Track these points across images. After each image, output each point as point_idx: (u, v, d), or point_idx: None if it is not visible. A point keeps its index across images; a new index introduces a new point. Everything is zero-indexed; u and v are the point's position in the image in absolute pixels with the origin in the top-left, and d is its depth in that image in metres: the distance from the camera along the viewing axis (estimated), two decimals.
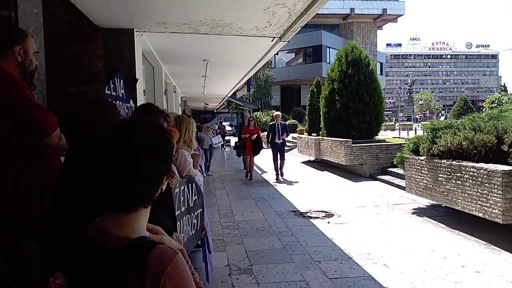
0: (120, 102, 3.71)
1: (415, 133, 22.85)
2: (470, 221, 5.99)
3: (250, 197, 8.53)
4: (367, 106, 12.42)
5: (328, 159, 12.75)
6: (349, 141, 11.29)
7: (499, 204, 4.95)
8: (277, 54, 31.76)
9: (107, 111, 1.87)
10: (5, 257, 2.09)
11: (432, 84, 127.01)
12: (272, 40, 6.12)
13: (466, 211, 5.63)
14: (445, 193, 6.07)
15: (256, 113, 31.17)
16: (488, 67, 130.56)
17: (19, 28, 2.42)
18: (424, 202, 7.48)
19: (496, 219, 5.04)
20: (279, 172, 10.89)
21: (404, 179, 7.79)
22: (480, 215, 5.33)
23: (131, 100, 4.50)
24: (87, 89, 3.63)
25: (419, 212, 6.92)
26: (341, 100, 12.54)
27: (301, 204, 7.66)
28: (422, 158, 6.77)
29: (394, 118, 66.83)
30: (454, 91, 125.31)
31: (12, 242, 2.10)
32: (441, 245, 5.13)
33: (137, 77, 5.16)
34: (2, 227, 2.06)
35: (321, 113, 13.98)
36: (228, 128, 32.58)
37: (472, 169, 5.45)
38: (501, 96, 26.71)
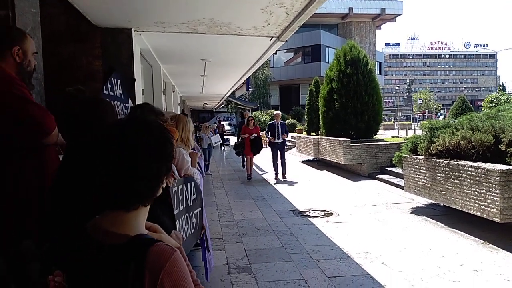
0: (118, 102, 3.71)
1: (414, 132, 22.87)
2: (469, 220, 6.01)
3: (249, 196, 8.53)
4: (366, 106, 12.44)
5: (327, 159, 12.76)
6: (348, 140, 11.31)
7: (496, 203, 4.96)
8: (275, 53, 31.82)
9: (104, 111, 1.88)
10: (5, 257, 2.09)
11: (431, 83, 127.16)
12: (270, 40, 6.13)
13: (464, 210, 5.65)
14: (443, 192, 6.08)
15: (255, 112, 31.19)
16: (486, 66, 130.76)
17: (18, 28, 2.42)
18: (422, 201, 7.50)
19: (494, 218, 5.05)
20: (278, 172, 10.76)
21: (402, 179, 7.81)
22: (478, 214, 5.35)
23: (129, 100, 4.51)
24: (85, 88, 3.63)
25: (418, 211, 6.94)
26: (339, 99, 12.55)
27: (300, 203, 7.67)
28: (420, 157, 6.78)
29: (392, 118, 66.90)
30: (452, 90, 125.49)
31: (12, 241, 2.10)
32: (439, 244, 5.14)
33: (135, 77, 5.16)
34: (2, 227, 2.06)
35: (319, 112, 13.99)
36: (227, 127, 32.57)
37: (470, 169, 5.47)
38: (500, 95, 26.74)
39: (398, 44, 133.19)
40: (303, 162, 15.22)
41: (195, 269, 3.91)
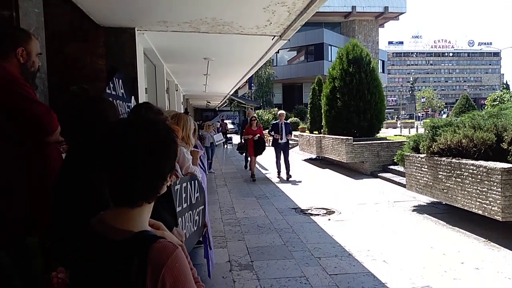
0: (121, 102, 3.75)
1: (417, 131, 22.83)
2: (470, 218, 6.02)
3: (251, 194, 8.57)
4: (368, 104, 12.44)
5: (330, 157, 12.78)
6: (350, 139, 11.31)
7: (498, 201, 4.97)
8: (278, 52, 31.77)
9: (106, 110, 1.91)
10: (10, 253, 2.13)
11: (434, 82, 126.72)
12: (272, 39, 6.15)
13: (465, 208, 5.66)
14: (445, 190, 6.09)
15: (258, 111, 31.18)
16: (490, 65, 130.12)
17: (23, 29, 2.45)
18: (424, 199, 7.51)
19: (495, 217, 5.06)
20: (280, 170, 10.63)
21: (405, 177, 7.81)
22: (480, 212, 5.35)
23: (133, 99, 4.54)
24: (89, 87, 3.67)
25: (420, 209, 6.95)
26: (342, 98, 12.56)
27: (302, 201, 7.70)
28: (422, 155, 6.79)
29: (395, 116, 66.74)
30: (456, 89, 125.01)
31: (16, 238, 2.14)
32: (440, 242, 5.15)
33: (138, 76, 5.20)
34: (6, 223, 2.10)
35: (322, 111, 14.00)
36: (230, 126, 32.60)
37: (471, 167, 5.47)
38: (503, 94, 26.64)
39: (401, 43, 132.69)
40: (305, 160, 15.23)
41: (198, 266, 3.96)
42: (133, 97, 4.61)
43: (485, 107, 25.28)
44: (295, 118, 26.95)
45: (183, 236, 1.76)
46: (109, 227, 1.08)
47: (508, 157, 5.31)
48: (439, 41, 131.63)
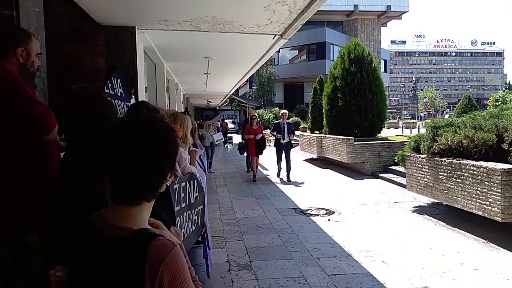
0: (119, 101, 3.75)
1: (418, 131, 22.79)
2: (471, 219, 6.01)
3: (251, 194, 8.57)
4: (370, 104, 12.42)
5: (330, 157, 12.77)
6: (351, 139, 11.30)
7: (498, 202, 4.96)
8: (279, 51, 31.76)
9: (105, 110, 1.91)
10: (11, 251, 2.14)
11: (437, 81, 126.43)
12: (273, 38, 6.14)
13: (466, 209, 5.65)
14: (445, 191, 6.08)
15: (258, 110, 31.18)
16: (493, 64, 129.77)
17: (23, 29, 2.45)
18: (425, 200, 7.49)
19: (495, 217, 5.05)
20: (281, 167, 10.47)
21: (405, 177, 7.80)
22: (480, 213, 5.34)
23: (133, 98, 4.55)
24: (89, 86, 3.67)
25: (420, 210, 6.94)
26: (343, 97, 12.54)
27: (302, 201, 7.70)
28: (423, 156, 6.78)
29: (397, 116, 66.66)
30: (459, 89, 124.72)
31: (16, 237, 2.14)
32: (440, 243, 5.15)
33: (138, 75, 5.20)
34: (7, 223, 2.10)
35: (323, 110, 13.99)
36: (230, 125, 32.60)
37: (472, 168, 5.46)
38: (506, 94, 26.58)
39: (404, 42, 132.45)
40: (306, 160, 15.23)
41: (197, 266, 3.96)
42: (133, 96, 4.62)
43: (488, 107, 25.21)
44: (296, 118, 26.94)
45: (180, 235, 1.76)
46: (109, 224, 1.09)
47: (509, 157, 5.30)
48: (442, 40, 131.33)
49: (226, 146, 22.14)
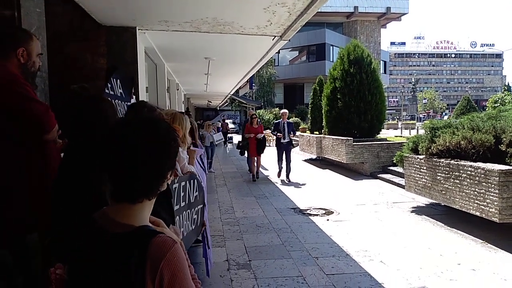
0: (119, 101, 3.78)
1: (417, 132, 22.83)
2: (468, 220, 6.04)
3: (251, 194, 8.60)
4: (369, 105, 12.45)
5: (330, 157, 12.80)
6: (350, 139, 11.33)
7: (495, 203, 4.99)
8: (278, 52, 31.72)
9: (106, 110, 1.93)
10: (11, 251, 2.16)
11: (436, 83, 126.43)
12: (273, 39, 6.18)
13: (463, 210, 5.68)
14: (443, 191, 6.11)
15: (259, 111, 31.20)
16: (492, 66, 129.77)
17: (24, 29, 2.47)
18: (423, 200, 7.52)
19: (492, 218, 5.08)
20: (282, 167, 10.39)
21: (404, 178, 7.83)
22: (477, 214, 5.38)
23: (134, 98, 4.57)
24: (90, 86, 3.69)
25: (418, 210, 6.97)
26: (343, 98, 12.57)
27: (301, 201, 7.73)
28: (421, 157, 6.81)
29: (397, 117, 66.71)
30: (458, 90, 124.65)
31: (16, 237, 2.16)
32: (438, 243, 5.18)
33: (139, 75, 5.23)
34: (7, 223, 2.12)
35: (323, 111, 14.02)
36: (231, 125, 32.62)
37: (469, 168, 5.50)
38: (505, 95, 26.59)
39: (403, 43, 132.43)
40: (305, 160, 15.26)
41: (196, 265, 3.99)
42: (134, 96, 4.64)
43: (487, 109, 25.23)
44: (296, 118, 26.97)
45: (179, 234, 1.78)
46: (110, 221, 1.10)
47: (506, 159, 5.34)
48: (441, 42, 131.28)
49: (226, 146, 22.15)
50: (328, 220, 6.38)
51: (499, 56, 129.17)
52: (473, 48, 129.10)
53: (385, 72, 42.49)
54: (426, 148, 6.66)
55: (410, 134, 21.48)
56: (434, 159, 6.37)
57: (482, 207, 5.24)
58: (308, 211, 6.94)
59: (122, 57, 5.12)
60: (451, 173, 5.90)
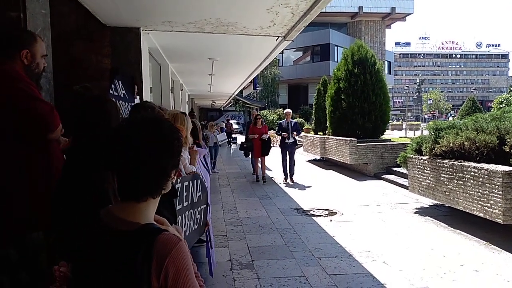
0: (123, 102, 3.81)
1: (422, 133, 22.74)
2: (472, 221, 6.02)
3: (254, 194, 8.61)
4: (373, 106, 12.41)
5: (333, 158, 12.78)
6: (354, 140, 11.31)
7: (499, 204, 4.98)
8: (282, 53, 31.80)
9: (109, 111, 1.95)
10: (16, 248, 2.18)
11: (441, 83, 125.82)
12: (276, 40, 6.19)
13: (467, 211, 5.66)
14: (447, 193, 6.10)
15: (263, 111, 31.21)
16: (498, 67, 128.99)
17: (29, 31, 2.49)
18: (427, 201, 7.51)
19: (496, 219, 5.06)
20: (288, 174, 10.20)
21: (408, 179, 7.81)
22: (481, 215, 5.36)
23: (137, 98, 4.60)
24: (94, 86, 3.73)
25: (422, 211, 6.95)
26: (347, 99, 12.55)
27: (305, 202, 7.73)
28: (424, 158, 6.79)
29: (401, 118, 66.49)
30: (463, 91, 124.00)
31: (22, 233, 2.19)
32: (441, 244, 5.17)
33: (143, 75, 5.26)
34: (12, 219, 2.14)
35: (327, 112, 14.00)
36: (235, 126, 32.65)
37: (473, 170, 5.48)
38: (510, 96, 26.42)
39: (408, 44, 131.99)
40: (309, 161, 15.25)
41: (199, 265, 4.01)
42: (138, 96, 4.66)
43: (492, 110, 25.08)
44: (300, 119, 26.92)
45: (181, 234, 1.80)
46: (116, 219, 1.12)
47: (510, 160, 5.31)
48: (446, 42, 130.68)
49: (230, 146, 22.16)
50: (331, 220, 6.38)
51: (505, 56, 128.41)
52: (479, 48, 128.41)
53: (389, 73, 42.40)
54: (429, 149, 6.64)
55: (414, 135, 21.41)
56: (438, 160, 6.35)
57: (486, 208, 5.22)
58: (311, 212, 6.95)
59: (126, 58, 5.16)
60: (454, 174, 5.88)
